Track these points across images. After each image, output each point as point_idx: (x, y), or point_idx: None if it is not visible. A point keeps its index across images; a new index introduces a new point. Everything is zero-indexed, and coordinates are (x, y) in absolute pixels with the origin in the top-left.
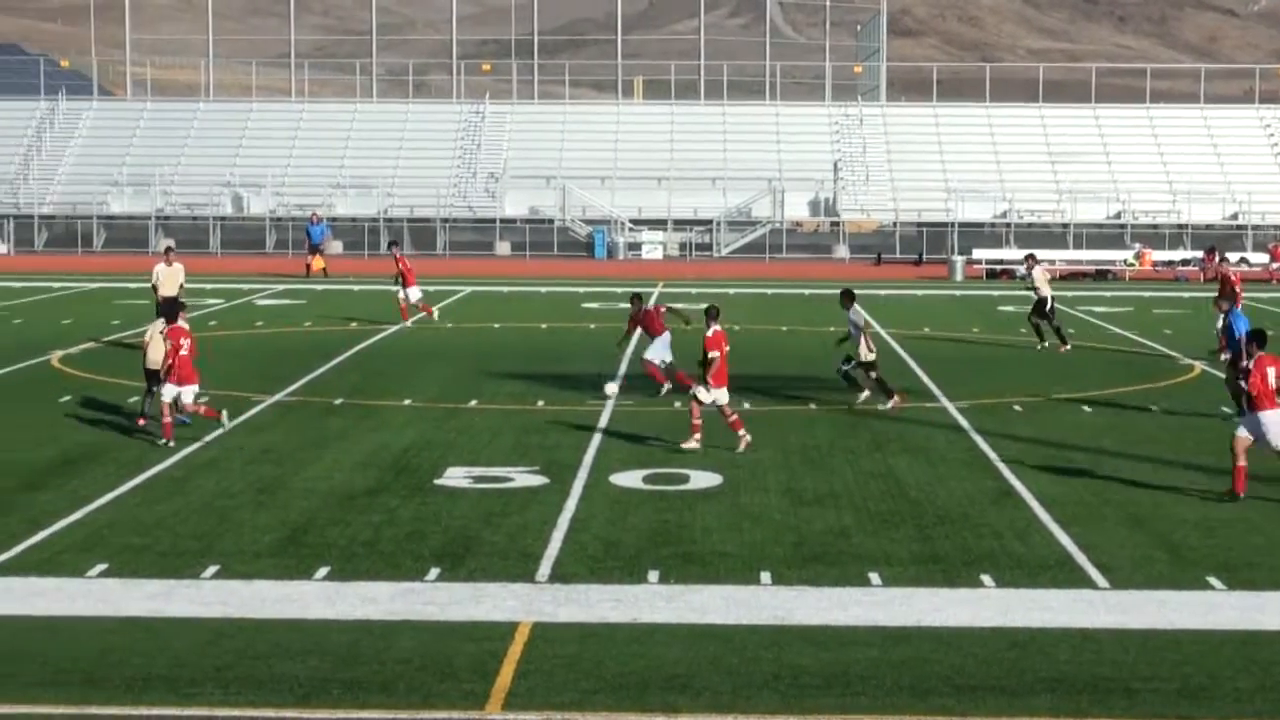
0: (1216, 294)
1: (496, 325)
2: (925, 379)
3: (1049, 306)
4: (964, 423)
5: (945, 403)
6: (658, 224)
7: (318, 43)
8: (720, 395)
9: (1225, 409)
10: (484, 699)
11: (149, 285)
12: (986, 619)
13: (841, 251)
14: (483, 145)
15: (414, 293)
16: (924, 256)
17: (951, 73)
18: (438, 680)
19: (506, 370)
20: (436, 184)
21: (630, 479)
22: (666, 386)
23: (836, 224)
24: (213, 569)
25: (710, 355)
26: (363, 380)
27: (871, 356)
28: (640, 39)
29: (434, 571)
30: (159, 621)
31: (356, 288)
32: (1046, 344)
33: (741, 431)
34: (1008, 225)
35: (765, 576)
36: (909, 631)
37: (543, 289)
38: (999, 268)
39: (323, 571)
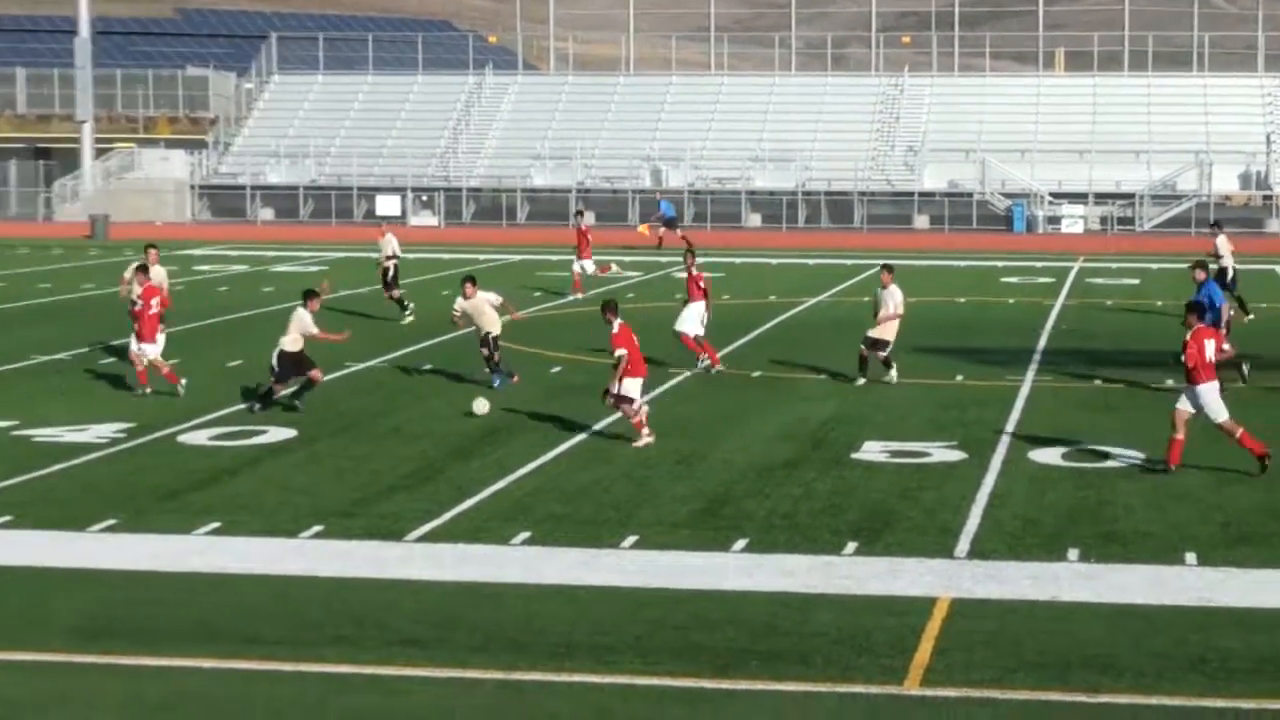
0: None
1: (913, 299)
2: None
3: (1230, 276)
4: None
5: None
6: (1078, 198)
7: (737, 16)
8: (631, 387)
9: None
10: (902, 674)
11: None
12: None
13: (1275, 225)
14: (901, 118)
15: (588, 265)
16: None
17: None
18: (855, 654)
19: (923, 344)
20: (854, 157)
21: (1049, 455)
22: (704, 361)
23: (1269, 198)
24: (632, 539)
25: (618, 354)
26: (781, 352)
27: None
28: (1062, 10)
29: (851, 545)
30: (580, 589)
31: (774, 261)
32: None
33: (645, 432)
34: None
35: (1190, 557)
36: None
37: (960, 263)
38: None
39: (740, 543)
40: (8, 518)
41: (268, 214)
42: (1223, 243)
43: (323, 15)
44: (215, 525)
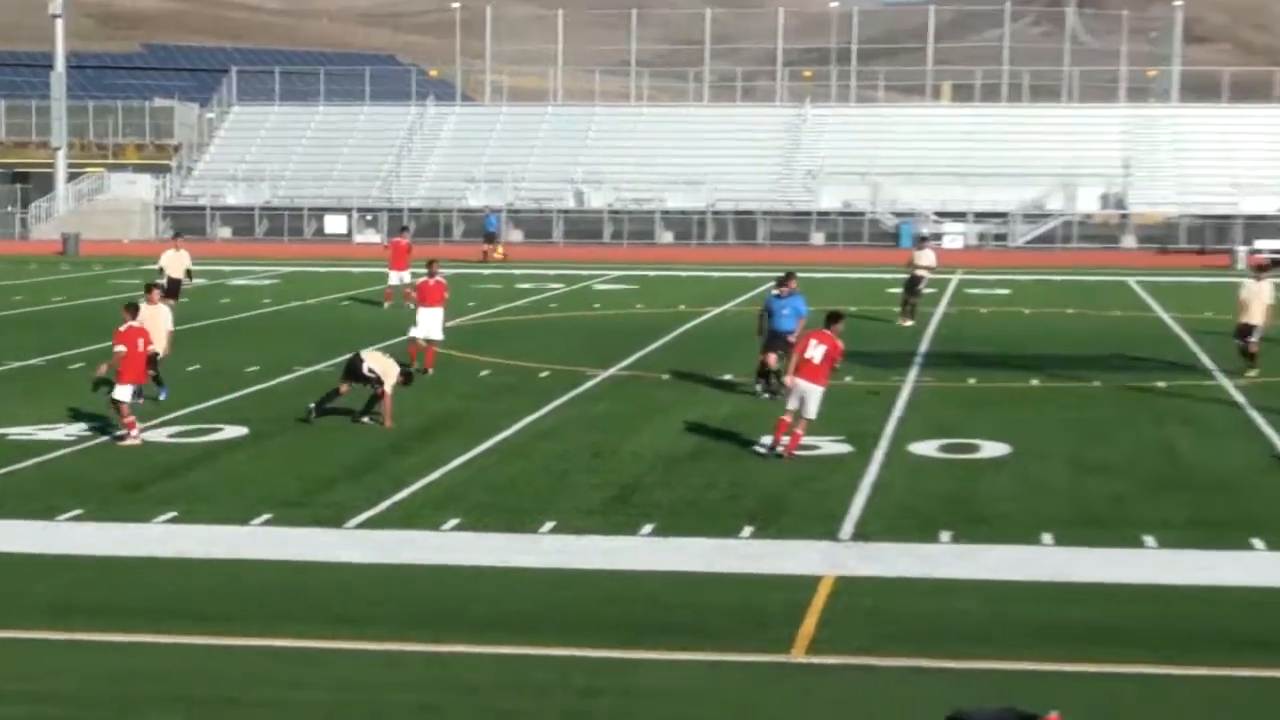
0: None
1: (812, 307)
2: (1204, 358)
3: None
4: (1240, 399)
5: (1224, 381)
6: (958, 216)
7: (656, 51)
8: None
9: None
10: (789, 644)
11: (157, 269)
12: (1258, 579)
13: (1128, 241)
14: (802, 145)
15: (404, 276)
16: (1206, 246)
17: (1242, 76)
18: (748, 626)
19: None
20: (759, 180)
21: (927, 448)
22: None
23: (1125, 216)
24: (550, 524)
25: (118, 349)
26: (687, 357)
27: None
28: (949, 46)
29: (747, 529)
30: (504, 570)
31: (684, 274)
32: None
33: (134, 431)
34: None
35: (1047, 538)
36: (1180, 590)
37: (852, 275)
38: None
39: (648, 528)
40: None
41: (225, 232)
42: (924, 256)
43: (279, 51)
44: (173, 514)
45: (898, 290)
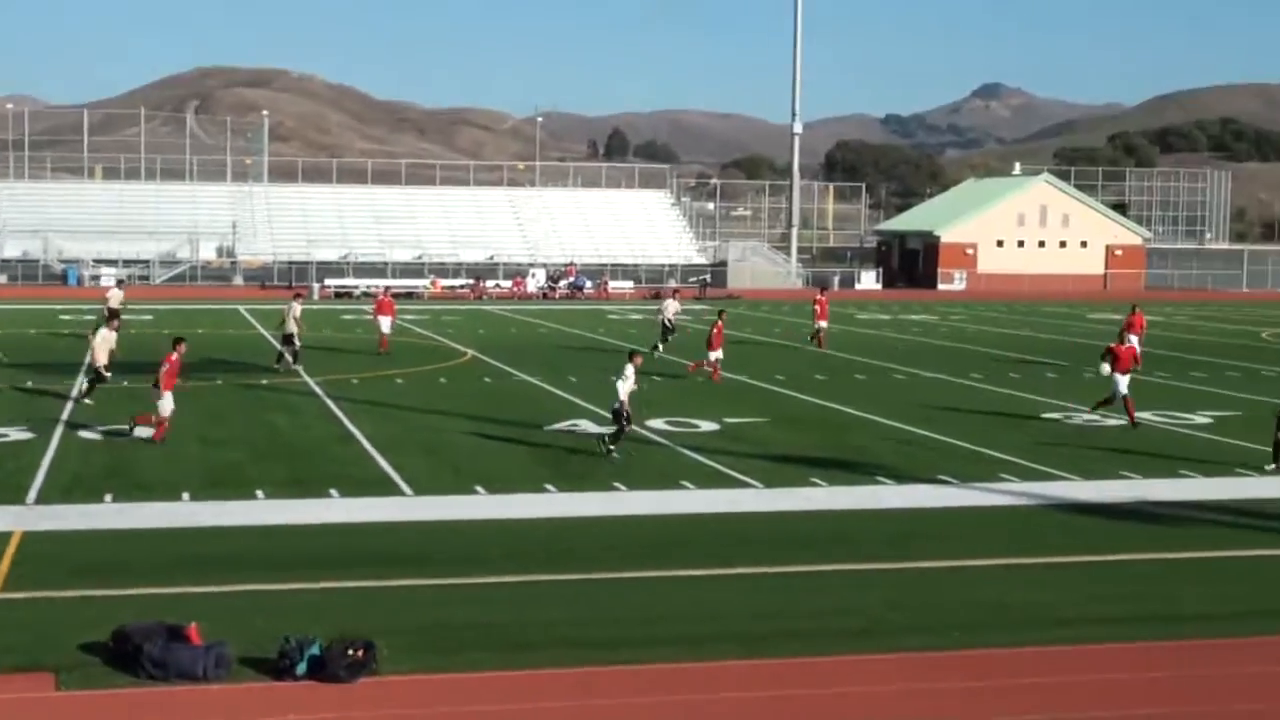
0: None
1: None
2: (294, 364)
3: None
4: (320, 391)
5: (307, 378)
6: (112, 262)
7: None
8: None
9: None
10: None
11: None
12: (334, 518)
13: (238, 280)
14: None
15: None
16: (293, 283)
17: (309, 164)
18: None
19: (11, 361)
20: None
21: (92, 433)
22: None
23: (234, 262)
24: None
25: None
26: None
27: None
28: (100, 139)
29: None
30: None
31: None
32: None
33: None
34: (349, 263)
35: (186, 496)
36: (280, 529)
37: (32, 307)
38: (342, 290)
39: None
40: None
41: None
42: (670, 305)
43: None
44: None
45: (68, 317)
